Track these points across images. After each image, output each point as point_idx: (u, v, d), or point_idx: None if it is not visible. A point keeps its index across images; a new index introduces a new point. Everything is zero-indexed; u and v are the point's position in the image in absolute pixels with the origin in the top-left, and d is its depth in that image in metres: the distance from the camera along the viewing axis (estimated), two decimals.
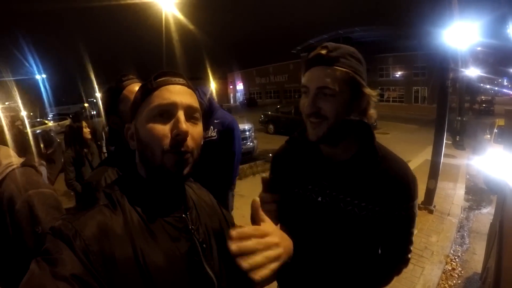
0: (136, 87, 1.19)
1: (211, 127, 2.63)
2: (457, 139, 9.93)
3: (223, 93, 54.41)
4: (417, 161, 7.94)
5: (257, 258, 0.59)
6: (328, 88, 0.87)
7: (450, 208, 4.92)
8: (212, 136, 2.58)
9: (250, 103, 40.22)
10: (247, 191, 5.39)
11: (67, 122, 22.23)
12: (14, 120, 2.11)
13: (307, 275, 0.89)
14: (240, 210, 3.52)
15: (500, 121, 6.87)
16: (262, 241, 0.62)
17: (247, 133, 8.38)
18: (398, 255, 0.99)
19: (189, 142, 0.67)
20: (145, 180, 0.71)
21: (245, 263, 0.58)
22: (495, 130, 6.75)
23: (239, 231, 0.60)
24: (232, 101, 53.85)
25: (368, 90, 0.91)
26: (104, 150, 4.77)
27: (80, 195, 3.29)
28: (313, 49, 0.96)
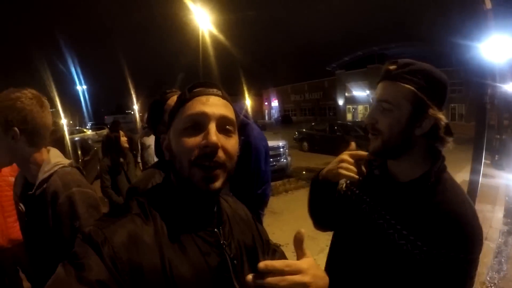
0: None
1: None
2: (496, 158, 9.44)
3: (258, 110, 54.98)
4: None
5: None
6: (386, 102, 0.88)
7: (487, 231, 4.65)
8: None
9: (285, 120, 40.24)
10: (279, 208, 5.38)
11: (105, 131, 23.39)
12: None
13: None
14: (271, 227, 3.48)
15: None
16: (288, 279, 0.55)
17: (281, 149, 8.39)
18: None
19: (220, 154, 0.65)
20: (177, 192, 0.70)
21: None
22: None
23: (267, 264, 0.54)
24: (267, 117, 54.21)
25: (433, 111, 0.85)
26: (139, 159, 4.96)
27: (113, 203, 3.47)
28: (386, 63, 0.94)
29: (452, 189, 0.88)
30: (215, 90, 0.71)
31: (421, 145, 0.90)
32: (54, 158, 1.19)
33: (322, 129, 14.24)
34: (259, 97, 55.26)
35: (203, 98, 0.68)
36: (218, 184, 0.66)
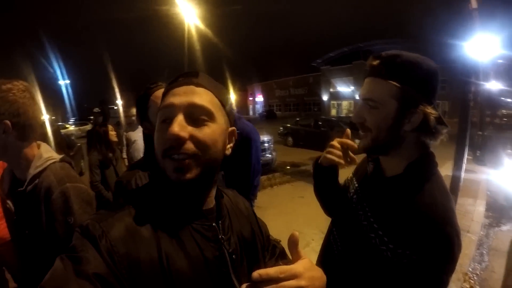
0: (161, 92, 1.30)
1: None
2: (478, 154, 9.70)
3: (243, 105, 54.90)
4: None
5: None
6: (372, 100, 0.86)
7: (470, 225, 4.79)
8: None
9: (269, 115, 40.24)
10: (264, 202, 5.39)
11: (88, 127, 22.87)
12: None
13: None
14: None
15: None
16: (284, 285, 0.54)
17: (266, 144, 8.41)
18: None
19: (189, 145, 0.62)
20: (175, 184, 0.66)
21: None
22: None
23: (261, 273, 0.53)
24: (251, 112, 54.14)
25: (422, 106, 0.83)
26: (124, 155, 4.87)
27: (102, 198, 3.41)
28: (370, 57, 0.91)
29: (430, 188, 0.83)
30: (191, 78, 0.69)
31: (411, 139, 0.88)
32: (45, 153, 1.16)
33: (307, 124, 14.26)
34: (244, 92, 55.19)
35: (175, 89, 0.67)
36: (190, 175, 0.63)
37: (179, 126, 0.62)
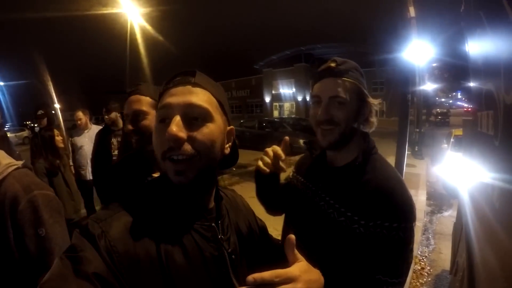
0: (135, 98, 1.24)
1: None
2: (416, 149, 10.53)
3: None
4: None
5: None
6: (340, 97, 0.95)
7: None
8: None
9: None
10: None
11: (25, 133, 20.84)
12: None
13: None
14: None
15: (457, 131, 7.45)
16: None
17: None
18: (374, 284, 0.87)
19: (187, 146, 0.61)
20: (174, 185, 0.66)
21: None
22: (452, 140, 7.29)
23: (255, 277, 0.51)
24: None
25: (371, 100, 1.00)
26: (71, 162, 4.51)
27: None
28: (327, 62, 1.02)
29: (380, 167, 0.98)
30: (188, 78, 0.67)
31: (358, 131, 1.02)
32: (3, 159, 1.03)
33: (251, 126, 14.47)
34: None
35: (173, 89, 0.66)
36: (190, 176, 0.63)
37: (177, 126, 0.60)
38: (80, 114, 4.07)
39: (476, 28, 1.26)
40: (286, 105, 37.28)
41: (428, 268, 3.57)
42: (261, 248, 0.85)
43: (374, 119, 1.02)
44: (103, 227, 0.56)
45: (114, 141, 3.33)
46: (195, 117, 0.64)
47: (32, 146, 3.61)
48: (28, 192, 0.98)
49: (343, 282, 0.90)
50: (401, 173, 5.18)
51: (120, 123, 3.39)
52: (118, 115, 3.41)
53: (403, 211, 0.88)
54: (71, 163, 4.40)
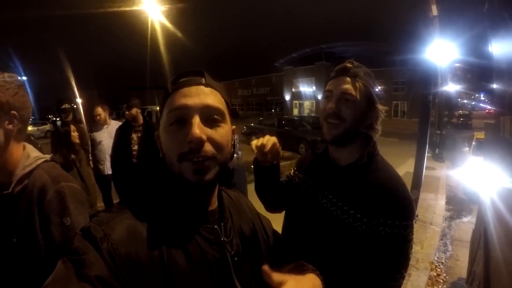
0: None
1: None
2: (437, 151, 10.24)
3: None
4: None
5: None
6: (351, 94, 1.00)
7: (432, 217, 5.08)
8: None
9: (232, 115, 39.48)
10: None
11: (48, 127, 21.49)
12: None
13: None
14: None
15: (479, 135, 7.20)
16: None
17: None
18: (376, 280, 0.94)
19: (208, 147, 0.62)
20: (171, 188, 0.68)
21: None
22: (474, 143, 7.06)
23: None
24: None
25: (379, 106, 1.05)
26: (91, 157, 4.62)
27: None
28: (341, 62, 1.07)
29: (383, 167, 1.03)
30: (198, 78, 0.67)
31: (363, 134, 1.06)
32: (32, 152, 1.06)
33: (271, 124, 14.44)
34: None
35: (185, 89, 0.65)
36: (209, 176, 0.64)
37: (200, 128, 0.61)
38: (99, 109, 4.14)
39: (500, 28, 1.21)
40: (306, 104, 36.99)
41: (444, 275, 3.47)
42: (265, 249, 0.84)
43: (379, 126, 1.07)
44: (106, 230, 0.57)
45: (134, 136, 3.41)
46: (212, 118, 0.65)
47: (52, 140, 3.71)
48: (56, 183, 1.01)
49: (346, 279, 0.96)
50: (420, 176, 5.08)
51: (141, 119, 3.45)
52: (139, 111, 3.46)
53: (404, 209, 0.94)
54: (90, 158, 4.52)
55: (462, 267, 3.49)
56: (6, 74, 0.96)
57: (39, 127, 21.07)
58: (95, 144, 4.21)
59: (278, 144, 1.15)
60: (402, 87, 27.23)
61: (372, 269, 0.94)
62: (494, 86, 1.51)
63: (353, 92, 1.00)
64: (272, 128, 13.94)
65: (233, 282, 0.68)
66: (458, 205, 6.00)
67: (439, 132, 10.59)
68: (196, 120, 0.62)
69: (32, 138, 10.22)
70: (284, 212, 1.29)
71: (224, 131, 0.67)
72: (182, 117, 0.63)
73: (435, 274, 3.46)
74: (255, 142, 1.14)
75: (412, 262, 3.57)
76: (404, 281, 3.21)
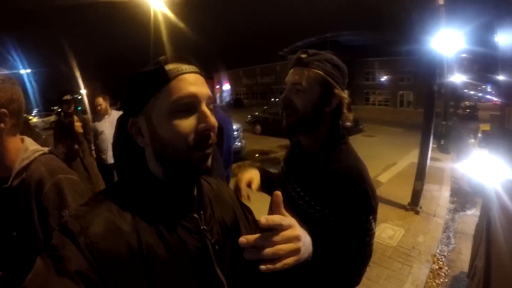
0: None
1: None
2: (442, 143, 10.15)
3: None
4: (402, 163, 8.14)
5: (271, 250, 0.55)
6: (300, 84, 1.02)
7: (436, 209, 5.05)
8: None
9: (237, 104, 39.80)
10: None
11: (52, 118, 21.69)
12: None
13: None
14: None
15: (484, 126, 7.12)
16: (283, 234, 0.57)
17: (236, 132, 8.29)
18: (333, 273, 0.90)
19: (213, 136, 0.66)
20: (156, 179, 0.68)
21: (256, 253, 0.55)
22: (479, 135, 6.98)
23: (269, 219, 0.55)
24: (218, 101, 53.18)
25: (338, 91, 1.02)
26: (93, 147, 4.66)
27: None
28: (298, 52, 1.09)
29: (343, 157, 1.02)
30: (192, 66, 0.67)
31: (327, 121, 1.05)
32: (31, 145, 1.06)
33: (275, 113, 14.24)
34: (211, 80, 53.61)
35: (186, 76, 0.64)
36: (210, 162, 0.67)
37: (212, 117, 0.65)
38: (100, 100, 4.16)
39: (506, 17, 1.16)
40: None
41: (446, 268, 3.44)
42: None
43: (346, 111, 1.05)
44: (82, 223, 0.56)
45: None
46: (210, 108, 0.67)
47: (55, 131, 3.76)
48: (53, 176, 1.01)
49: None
50: (425, 167, 5.05)
51: None
52: None
53: (357, 202, 0.92)
54: (93, 148, 4.56)
55: (464, 261, 3.47)
56: None
57: (44, 119, 21.26)
58: (97, 134, 4.24)
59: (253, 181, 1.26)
60: (408, 77, 26.87)
61: (323, 260, 0.87)
62: (500, 77, 1.46)
63: (303, 82, 1.01)
64: (276, 116, 13.82)
65: (215, 271, 0.68)
66: (462, 197, 5.94)
67: (444, 123, 10.52)
68: (207, 109, 0.65)
69: (36, 129, 10.28)
70: None
71: (214, 119, 0.68)
72: (191, 105, 0.63)
73: (437, 267, 3.45)
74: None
75: (414, 254, 3.57)
76: (405, 274, 3.23)
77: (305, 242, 0.63)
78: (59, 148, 3.33)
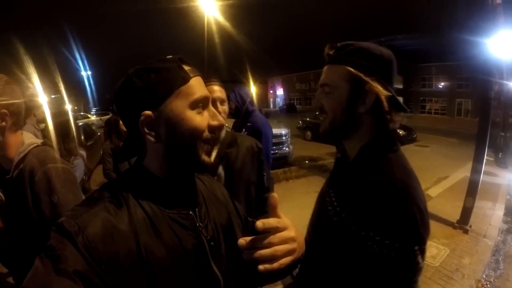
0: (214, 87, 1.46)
1: (243, 129, 2.66)
2: (500, 156, 9.31)
3: (263, 98, 54.37)
4: (455, 177, 7.56)
5: (268, 251, 0.62)
6: (327, 85, 0.91)
7: (486, 229, 4.63)
8: None
9: (289, 109, 39.64)
10: (279, 196, 5.26)
11: (109, 116, 23.49)
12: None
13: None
14: None
15: None
16: (279, 236, 0.64)
17: (283, 138, 8.28)
18: None
19: (219, 132, 0.74)
20: (153, 176, 0.70)
21: (257, 254, 0.61)
22: None
23: (264, 222, 0.62)
24: (271, 106, 53.37)
25: (370, 86, 0.83)
26: None
27: None
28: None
29: (388, 168, 0.82)
30: (195, 69, 0.72)
31: (367, 122, 0.90)
32: (27, 139, 1.21)
33: None
34: (264, 85, 54.31)
35: (200, 79, 0.71)
36: (211, 157, 0.73)
37: (220, 116, 0.73)
38: None
39: None
40: None
41: None
42: (239, 233, 0.85)
43: (391, 110, 0.86)
44: (80, 223, 0.57)
45: None
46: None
47: (105, 129, 4.02)
48: (43, 165, 1.14)
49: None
50: (477, 182, 4.65)
51: None
52: None
53: (399, 226, 0.72)
54: None
55: None
56: None
57: (101, 117, 22.99)
58: None
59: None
60: (467, 84, 24.80)
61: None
62: None
63: (329, 82, 0.90)
64: None
65: (211, 267, 0.70)
66: None
67: (503, 134, 9.63)
68: (213, 109, 0.73)
69: (93, 127, 11.16)
70: None
71: None
72: (205, 104, 0.70)
73: None
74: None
75: (456, 277, 3.30)
76: None
77: (300, 242, 0.69)
78: (107, 144, 3.58)
